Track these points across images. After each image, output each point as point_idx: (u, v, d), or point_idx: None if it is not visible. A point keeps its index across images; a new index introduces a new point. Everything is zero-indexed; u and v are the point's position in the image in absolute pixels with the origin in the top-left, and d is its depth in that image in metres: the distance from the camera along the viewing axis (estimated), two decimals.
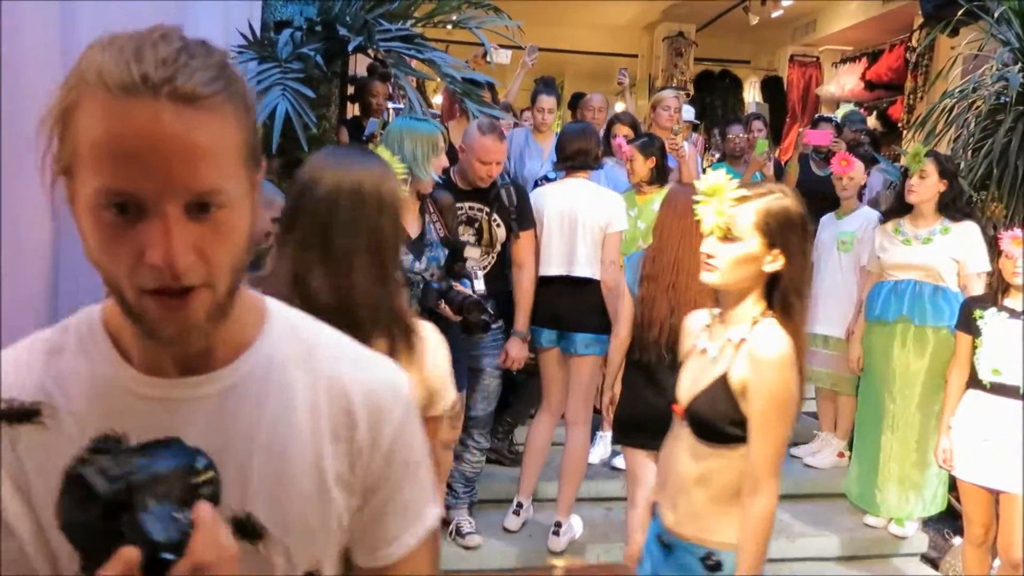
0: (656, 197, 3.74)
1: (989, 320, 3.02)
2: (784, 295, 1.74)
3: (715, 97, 9.39)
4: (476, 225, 3.17)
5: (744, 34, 9.19)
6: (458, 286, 2.62)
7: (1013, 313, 2.98)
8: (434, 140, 2.66)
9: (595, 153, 3.50)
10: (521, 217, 3.23)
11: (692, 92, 8.73)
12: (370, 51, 3.63)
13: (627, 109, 5.79)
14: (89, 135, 0.67)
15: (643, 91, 9.50)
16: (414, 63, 3.73)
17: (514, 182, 3.37)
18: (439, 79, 3.61)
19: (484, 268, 3.17)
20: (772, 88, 9.47)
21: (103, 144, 0.67)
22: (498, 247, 3.26)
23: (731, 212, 1.71)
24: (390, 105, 4.51)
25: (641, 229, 3.74)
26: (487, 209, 3.18)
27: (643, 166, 3.79)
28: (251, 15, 3.48)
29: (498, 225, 3.20)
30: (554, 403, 3.47)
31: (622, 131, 4.11)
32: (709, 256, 1.74)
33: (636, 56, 10.19)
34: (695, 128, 6.17)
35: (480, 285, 2.95)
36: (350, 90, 4.67)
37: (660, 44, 9.53)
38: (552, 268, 3.36)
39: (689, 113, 5.54)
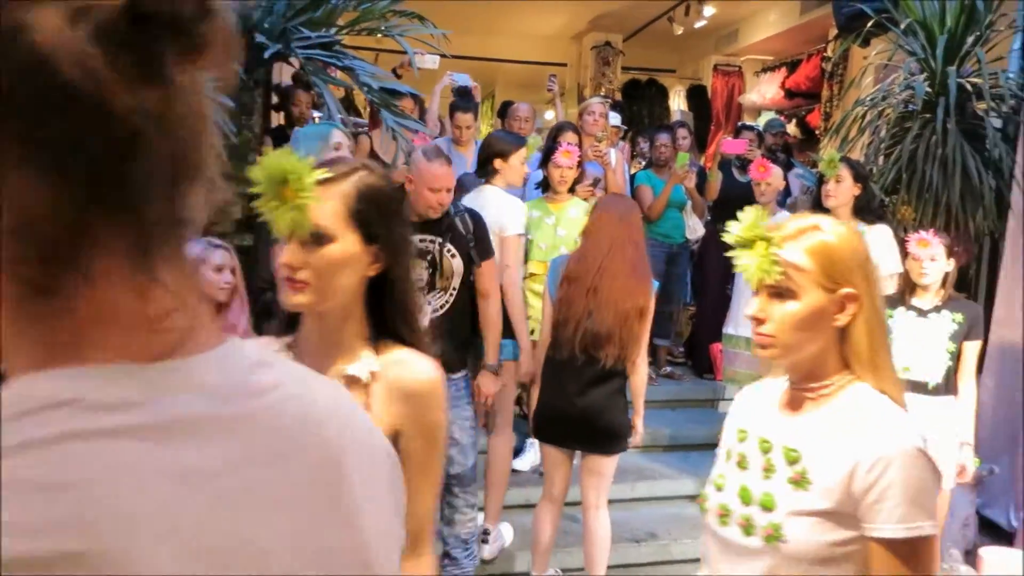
0: (568, 204, 3.80)
1: (898, 319, 3.15)
2: (399, 306, 1.35)
3: (642, 105, 9.58)
4: (429, 258, 2.96)
5: (669, 44, 9.39)
6: None
7: (920, 312, 3.12)
8: (323, 136, 2.70)
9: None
10: (480, 245, 3.04)
11: (620, 99, 8.86)
12: (291, 59, 3.60)
13: (557, 117, 5.85)
14: None
15: (572, 99, 9.62)
16: (337, 73, 3.71)
17: (469, 209, 3.13)
18: (357, 88, 3.59)
19: (441, 308, 2.97)
20: (697, 96, 9.69)
21: None
22: (455, 281, 3.00)
23: (316, 203, 1.22)
24: (315, 114, 4.46)
25: (561, 236, 3.77)
26: (439, 240, 2.95)
27: (573, 175, 3.84)
28: None
29: (453, 256, 2.97)
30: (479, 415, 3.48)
31: (572, 139, 4.13)
32: (293, 268, 1.29)
33: (565, 65, 10.31)
34: (623, 136, 6.27)
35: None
36: (274, 99, 4.62)
37: (588, 53, 9.66)
38: None
39: (615, 119, 5.63)
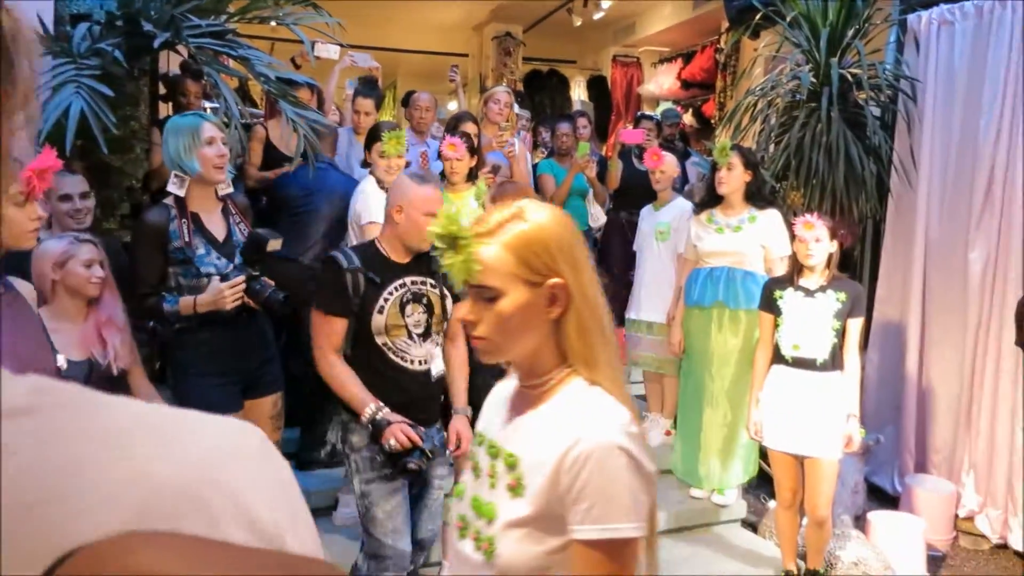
0: (468, 193, 3.81)
1: (787, 299, 3.28)
2: None
3: (544, 96, 9.65)
4: (424, 301, 2.70)
5: (569, 35, 9.48)
6: (265, 279, 2.64)
7: (808, 292, 3.26)
8: (194, 130, 2.62)
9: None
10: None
11: (521, 89, 8.91)
12: (180, 48, 3.47)
13: (460, 107, 5.83)
14: None
15: (475, 90, 9.61)
16: (230, 62, 3.59)
17: None
18: (253, 78, 3.49)
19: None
20: (597, 87, 9.84)
21: None
22: (445, 325, 2.82)
23: None
24: (206, 104, 4.30)
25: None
26: (431, 281, 2.71)
27: (465, 166, 3.84)
28: (41, 7, 3.23)
29: (445, 297, 2.75)
30: None
31: (472, 129, 4.17)
32: None
33: (467, 56, 10.28)
34: (528, 127, 6.32)
35: (440, 366, 2.74)
36: (162, 89, 4.44)
37: (489, 44, 9.66)
38: None
39: (523, 112, 5.69)
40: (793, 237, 3.33)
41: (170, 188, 2.63)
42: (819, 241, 3.19)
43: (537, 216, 1.23)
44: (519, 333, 1.22)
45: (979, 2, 4.17)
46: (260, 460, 0.46)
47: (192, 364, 2.69)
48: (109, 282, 2.48)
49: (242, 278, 2.57)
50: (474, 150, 3.89)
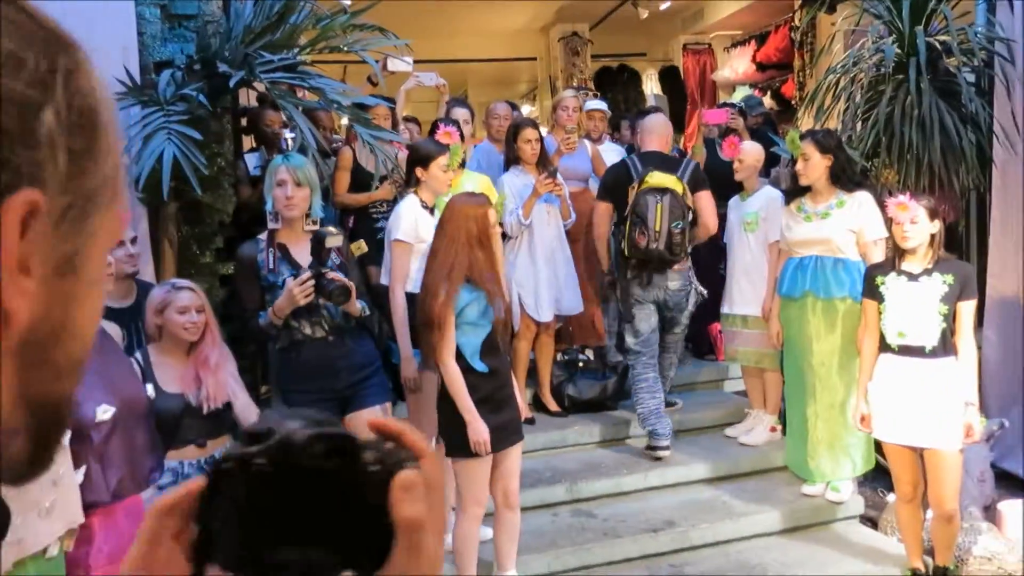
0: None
1: (890, 285, 3.12)
2: None
3: (616, 92, 9.53)
4: None
5: (637, 28, 9.35)
6: (330, 273, 2.82)
7: (911, 276, 3.09)
8: (272, 172, 2.92)
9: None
10: None
11: (594, 89, 8.83)
12: (255, 84, 3.57)
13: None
14: None
15: (545, 92, 9.60)
16: (305, 93, 3.68)
17: None
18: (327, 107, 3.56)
19: None
20: (670, 78, 9.66)
21: None
22: None
23: None
24: (287, 134, 4.41)
25: None
26: None
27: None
28: (127, 58, 3.37)
29: None
30: None
31: (534, 135, 4.26)
32: None
33: (535, 59, 10.28)
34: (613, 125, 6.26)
35: None
36: (243, 122, 4.58)
37: (556, 45, 9.62)
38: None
39: (600, 104, 5.61)
40: (889, 219, 3.17)
41: (268, 221, 2.93)
42: (915, 222, 3.02)
43: None
44: None
45: None
46: None
47: (288, 383, 3.01)
48: (210, 324, 2.67)
49: (309, 274, 2.78)
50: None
